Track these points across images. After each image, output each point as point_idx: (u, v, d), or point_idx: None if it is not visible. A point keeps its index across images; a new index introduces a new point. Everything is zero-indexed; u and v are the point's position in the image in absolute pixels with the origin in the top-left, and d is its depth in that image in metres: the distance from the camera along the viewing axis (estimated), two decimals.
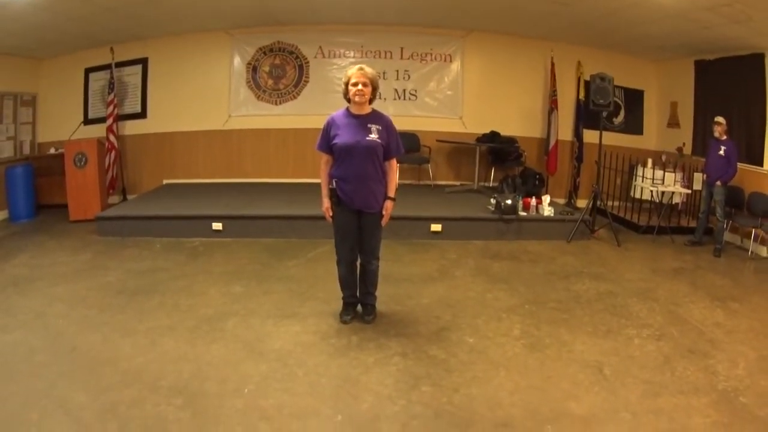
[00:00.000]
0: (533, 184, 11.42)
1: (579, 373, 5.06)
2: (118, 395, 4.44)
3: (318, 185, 5.87)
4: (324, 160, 5.72)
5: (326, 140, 5.58)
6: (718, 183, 9.28)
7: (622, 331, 6.05)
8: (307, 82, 12.28)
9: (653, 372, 5.13)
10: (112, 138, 11.53)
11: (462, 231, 9.46)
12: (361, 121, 5.52)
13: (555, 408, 4.46)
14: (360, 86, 5.40)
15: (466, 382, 4.82)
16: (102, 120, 11.70)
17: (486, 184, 12.19)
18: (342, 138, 5.46)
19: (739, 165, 9.34)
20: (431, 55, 12.38)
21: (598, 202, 10.19)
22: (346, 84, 5.50)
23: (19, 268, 7.68)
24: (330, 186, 5.65)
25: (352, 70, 5.49)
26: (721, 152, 9.23)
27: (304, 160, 12.15)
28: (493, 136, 11.95)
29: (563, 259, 8.62)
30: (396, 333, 5.77)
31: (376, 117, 5.60)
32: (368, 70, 5.50)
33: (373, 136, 5.48)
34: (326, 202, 5.72)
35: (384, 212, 5.70)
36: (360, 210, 5.64)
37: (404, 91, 12.36)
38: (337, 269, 5.97)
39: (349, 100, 5.55)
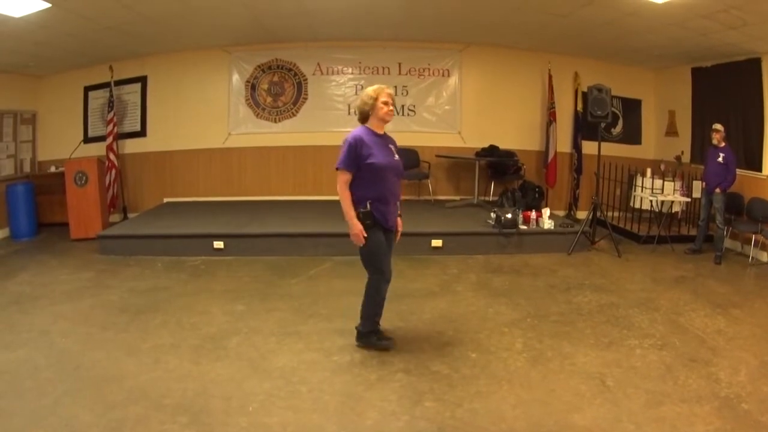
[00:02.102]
0: (533, 197, 11.46)
1: (582, 385, 5.07)
2: (124, 413, 4.46)
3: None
4: (345, 180, 5.42)
5: (355, 159, 5.31)
6: (717, 190, 9.30)
7: (624, 341, 6.06)
8: (306, 99, 12.34)
9: (655, 381, 5.14)
10: (112, 156, 11.57)
11: (463, 246, 9.49)
12: (384, 141, 5.50)
13: (558, 420, 4.48)
14: (391, 106, 5.41)
15: (469, 397, 4.83)
16: (102, 138, 11.76)
17: (486, 199, 12.23)
18: (377, 158, 5.32)
19: (738, 171, 9.38)
20: (429, 70, 12.45)
21: (598, 214, 10.20)
22: (375, 99, 5.38)
23: (22, 287, 7.71)
24: (362, 208, 5.39)
25: (378, 87, 5.44)
26: (720, 159, 9.26)
27: (305, 177, 12.22)
28: (492, 150, 11.98)
29: (564, 272, 8.63)
30: (399, 349, 5.78)
31: (390, 138, 5.62)
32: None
33: (397, 156, 5.51)
34: (359, 225, 5.37)
35: (399, 228, 5.75)
36: (388, 229, 5.60)
37: (403, 106, 12.40)
38: (379, 290, 5.69)
39: (366, 118, 5.46)
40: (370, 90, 5.45)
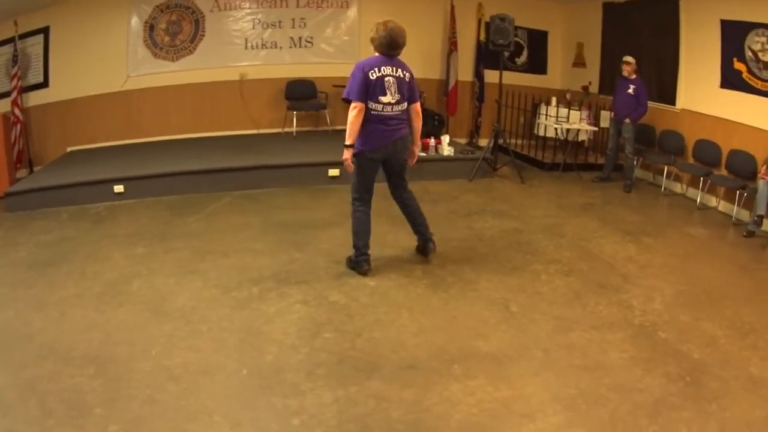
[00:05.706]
0: (432, 125, 11.47)
1: (485, 311, 5.18)
2: (36, 371, 4.40)
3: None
4: None
5: None
6: (627, 120, 9.43)
7: (528, 267, 6.18)
8: (203, 36, 12.06)
9: (563, 308, 5.26)
10: (17, 111, 11.09)
11: None
12: None
13: (462, 347, 4.58)
14: None
15: (369, 326, 4.93)
16: (7, 95, 11.28)
17: None
18: None
19: (651, 104, 9.53)
20: (327, 1, 12.33)
21: (500, 140, 10.34)
22: None
23: None
24: None
25: None
26: (630, 91, 9.37)
27: (202, 113, 12.04)
28: None
29: (465, 198, 8.74)
30: (296, 280, 5.85)
31: None
32: None
33: None
34: None
35: None
36: None
37: (300, 38, 12.26)
38: None
39: None
40: None
